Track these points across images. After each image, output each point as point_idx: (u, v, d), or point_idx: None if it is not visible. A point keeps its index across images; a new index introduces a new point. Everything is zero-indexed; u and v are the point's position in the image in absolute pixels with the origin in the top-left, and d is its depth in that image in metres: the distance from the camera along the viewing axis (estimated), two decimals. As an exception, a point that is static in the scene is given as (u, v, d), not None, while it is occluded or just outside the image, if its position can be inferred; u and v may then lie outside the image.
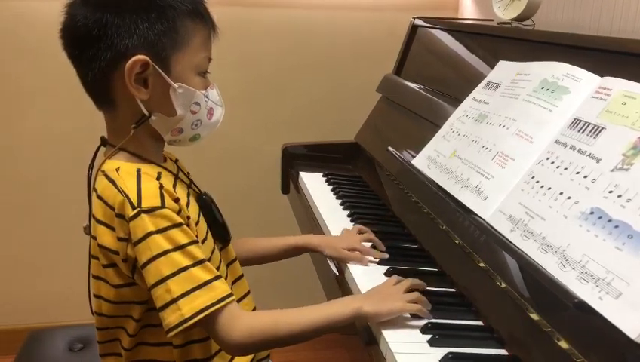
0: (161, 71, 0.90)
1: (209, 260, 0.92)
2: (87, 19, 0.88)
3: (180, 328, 0.85)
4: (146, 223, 0.86)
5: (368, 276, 1.10)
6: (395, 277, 1.01)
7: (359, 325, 0.97)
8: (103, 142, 0.99)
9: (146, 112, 0.92)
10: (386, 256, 1.18)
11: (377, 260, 1.16)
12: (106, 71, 0.90)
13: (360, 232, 1.24)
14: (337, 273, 1.16)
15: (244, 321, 0.89)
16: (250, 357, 1.08)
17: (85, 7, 0.89)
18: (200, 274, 0.87)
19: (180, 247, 0.87)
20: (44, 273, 2.13)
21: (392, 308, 0.94)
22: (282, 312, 0.93)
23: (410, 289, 0.98)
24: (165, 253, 0.86)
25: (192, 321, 0.85)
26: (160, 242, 0.86)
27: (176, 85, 0.91)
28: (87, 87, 0.95)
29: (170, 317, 0.85)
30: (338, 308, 0.93)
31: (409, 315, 0.95)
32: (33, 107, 1.99)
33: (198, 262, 0.88)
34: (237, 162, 2.16)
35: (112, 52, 0.88)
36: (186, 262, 0.87)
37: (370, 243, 1.21)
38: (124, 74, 0.88)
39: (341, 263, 1.17)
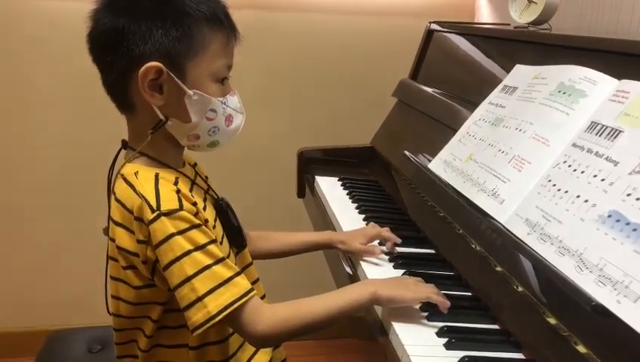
0: (175, 77, 0.90)
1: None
2: (106, 25, 0.90)
3: (207, 326, 0.86)
4: (167, 225, 0.87)
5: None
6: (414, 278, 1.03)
7: (370, 319, 0.98)
8: (124, 145, 1.01)
9: (162, 117, 0.93)
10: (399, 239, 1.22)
11: (392, 264, 1.16)
12: (123, 76, 0.91)
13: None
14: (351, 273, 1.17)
15: (267, 313, 0.91)
16: (267, 358, 1.09)
17: (106, 13, 0.91)
18: (222, 271, 0.89)
19: (200, 247, 0.88)
20: (62, 275, 2.16)
21: (405, 294, 0.96)
22: (303, 302, 0.94)
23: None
24: (188, 253, 0.87)
25: (219, 318, 0.86)
26: (182, 243, 0.87)
27: (191, 92, 0.92)
28: (108, 91, 0.96)
29: (196, 316, 0.87)
30: (356, 294, 0.95)
31: (426, 319, 0.96)
32: (54, 110, 2.01)
33: (219, 260, 0.89)
34: (253, 166, 2.17)
35: (128, 58, 0.89)
36: (207, 260, 0.88)
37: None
38: None
39: (355, 262, 1.18)
